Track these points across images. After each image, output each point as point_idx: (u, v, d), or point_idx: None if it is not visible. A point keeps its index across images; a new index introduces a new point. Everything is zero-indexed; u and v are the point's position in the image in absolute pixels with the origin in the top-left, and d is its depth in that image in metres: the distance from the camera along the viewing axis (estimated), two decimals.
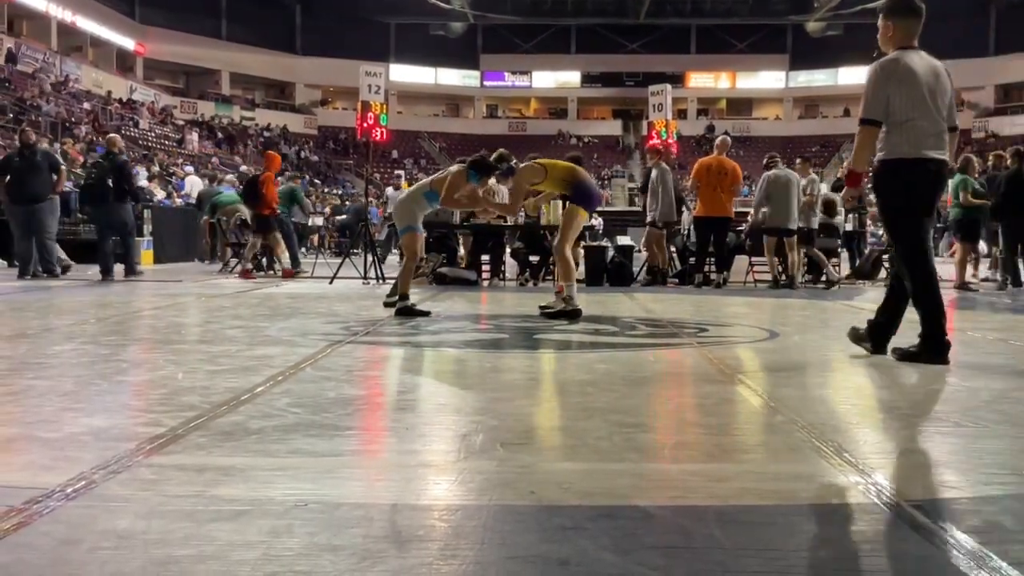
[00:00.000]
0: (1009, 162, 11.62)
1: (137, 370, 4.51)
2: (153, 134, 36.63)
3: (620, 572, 1.76)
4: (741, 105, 57.52)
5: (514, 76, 56.74)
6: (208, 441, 2.83)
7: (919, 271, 4.78)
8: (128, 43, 44.49)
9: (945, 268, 13.02)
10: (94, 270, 12.08)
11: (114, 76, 42.05)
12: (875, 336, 4.98)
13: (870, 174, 5.22)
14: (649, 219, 11.78)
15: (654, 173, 11.85)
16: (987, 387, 4.01)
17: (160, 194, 21.14)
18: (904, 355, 4.78)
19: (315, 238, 23.93)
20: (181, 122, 42.20)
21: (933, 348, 4.68)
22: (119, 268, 12.20)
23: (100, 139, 27.89)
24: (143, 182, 19.64)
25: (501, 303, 8.86)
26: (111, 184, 11.77)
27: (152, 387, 3.92)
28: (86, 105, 34.02)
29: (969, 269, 11.91)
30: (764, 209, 11.36)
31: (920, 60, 4.88)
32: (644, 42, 54.18)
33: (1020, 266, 11.63)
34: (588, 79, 56.33)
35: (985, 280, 12.68)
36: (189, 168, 25.91)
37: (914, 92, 4.77)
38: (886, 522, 2.09)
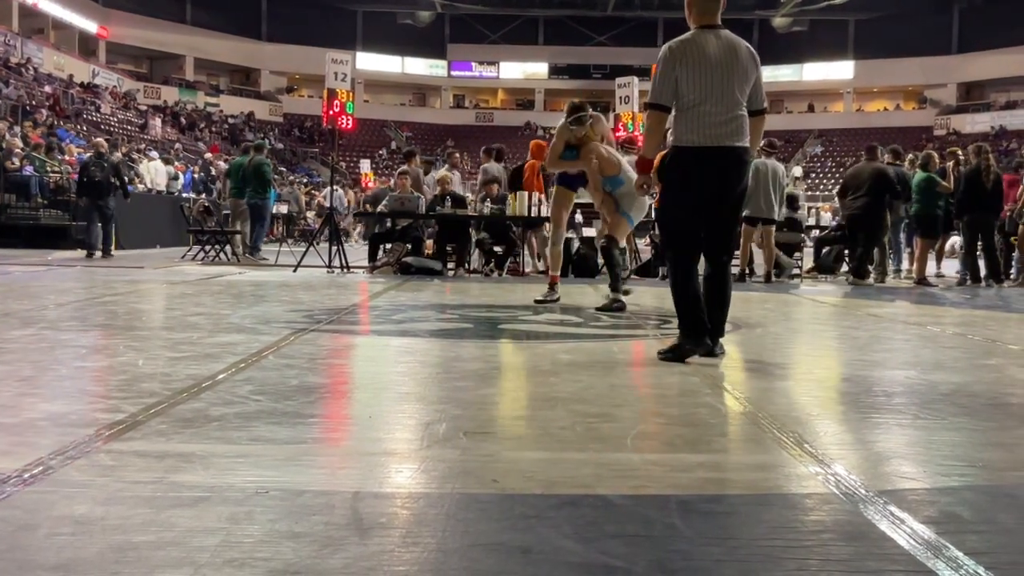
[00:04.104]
0: (972, 159, 11.74)
1: (97, 356, 4.46)
2: (115, 119, 36.14)
3: (582, 561, 1.77)
4: None
5: (481, 66, 56.57)
6: (168, 428, 2.80)
7: (676, 268, 4.58)
8: (91, 26, 43.88)
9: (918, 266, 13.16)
10: (54, 255, 12.09)
11: (76, 59, 41.43)
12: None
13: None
14: None
15: None
16: (946, 381, 4.06)
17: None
18: (667, 355, 4.50)
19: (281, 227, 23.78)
20: (144, 107, 41.69)
21: (691, 340, 4.48)
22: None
23: (60, 123, 27.54)
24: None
25: (466, 293, 8.85)
26: (112, 181, 13.73)
27: (112, 373, 3.88)
28: (47, 88, 33.51)
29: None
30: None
31: (717, 40, 4.55)
32: (612, 34, 54.23)
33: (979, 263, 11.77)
34: (555, 71, 56.27)
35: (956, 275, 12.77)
36: (154, 154, 25.57)
37: (704, 75, 4.47)
38: (845, 512, 2.11)
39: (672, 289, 4.61)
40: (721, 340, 4.61)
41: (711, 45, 4.52)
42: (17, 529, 1.87)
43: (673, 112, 4.60)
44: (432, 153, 34.85)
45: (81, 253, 13.88)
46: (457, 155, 15.24)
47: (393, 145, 50.77)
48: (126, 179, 15.40)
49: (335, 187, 16.52)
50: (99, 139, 15.70)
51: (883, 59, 50.88)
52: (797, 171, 43.64)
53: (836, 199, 13.17)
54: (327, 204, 25.88)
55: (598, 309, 6.97)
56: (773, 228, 11.44)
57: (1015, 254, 12.24)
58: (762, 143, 11.66)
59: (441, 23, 54.51)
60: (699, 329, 4.48)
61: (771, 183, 11.13)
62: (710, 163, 4.50)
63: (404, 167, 13.26)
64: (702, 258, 4.65)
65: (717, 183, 4.51)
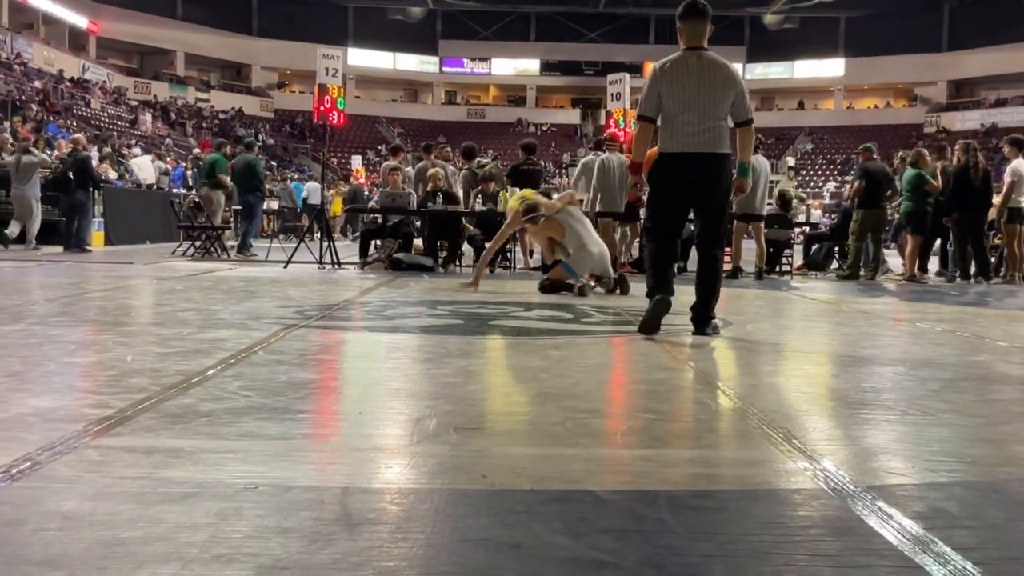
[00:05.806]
0: (959, 156, 11.77)
1: (86, 351, 4.44)
2: (105, 114, 36.03)
3: (572, 556, 1.77)
4: None
5: (473, 63, 56.56)
6: (157, 423, 2.79)
7: (652, 249, 5.30)
8: (81, 21, 43.72)
9: (894, 261, 13.22)
10: (44, 249, 12.15)
11: (66, 54, 41.28)
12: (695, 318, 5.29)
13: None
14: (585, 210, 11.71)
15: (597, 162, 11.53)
16: (935, 377, 4.07)
17: (112, 175, 20.82)
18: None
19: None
20: (134, 102, 41.56)
21: (656, 290, 5.20)
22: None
23: (50, 118, 27.44)
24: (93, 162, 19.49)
25: (457, 289, 8.84)
26: (71, 176, 14.06)
27: (101, 369, 3.86)
28: (37, 83, 33.38)
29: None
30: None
31: (698, 60, 5.24)
32: (603, 31, 54.27)
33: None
34: (547, 67, 56.30)
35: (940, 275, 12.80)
36: (137, 150, 25.48)
37: (683, 91, 5.19)
38: (834, 507, 2.11)
39: (646, 259, 5.39)
40: (714, 323, 5.27)
41: (692, 65, 5.25)
42: (4, 524, 1.86)
43: (659, 122, 5.35)
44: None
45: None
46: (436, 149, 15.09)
47: (397, 141, 50.79)
48: (97, 175, 15.56)
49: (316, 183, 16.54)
50: (77, 135, 16.29)
51: (873, 57, 51.04)
52: (791, 161, 43.83)
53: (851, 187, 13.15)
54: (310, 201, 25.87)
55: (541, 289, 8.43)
56: (762, 224, 11.46)
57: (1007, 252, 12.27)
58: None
59: (433, 19, 54.50)
60: (662, 284, 5.19)
61: (758, 179, 11.13)
62: (687, 167, 5.18)
63: (394, 163, 13.22)
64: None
65: (693, 184, 5.20)
